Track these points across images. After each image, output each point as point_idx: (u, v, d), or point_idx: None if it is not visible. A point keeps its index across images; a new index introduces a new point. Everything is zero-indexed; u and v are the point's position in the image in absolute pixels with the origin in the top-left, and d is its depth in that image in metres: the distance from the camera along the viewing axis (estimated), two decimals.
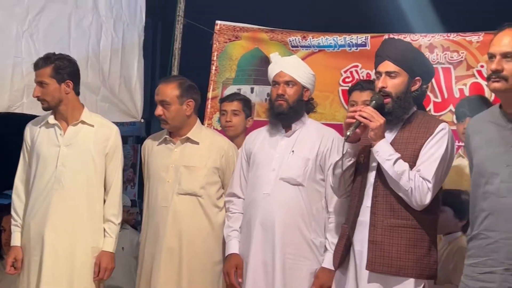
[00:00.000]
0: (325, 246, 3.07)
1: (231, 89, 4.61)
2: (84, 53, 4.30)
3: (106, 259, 3.41)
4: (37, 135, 3.45)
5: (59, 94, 3.31)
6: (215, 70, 4.69)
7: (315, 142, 3.15)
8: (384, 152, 2.68)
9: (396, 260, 2.67)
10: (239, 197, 3.34)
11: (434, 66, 4.12)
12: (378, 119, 2.64)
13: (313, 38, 4.51)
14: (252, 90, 4.62)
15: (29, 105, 3.89)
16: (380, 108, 2.71)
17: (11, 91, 3.79)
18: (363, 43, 4.27)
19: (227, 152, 3.49)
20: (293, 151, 3.14)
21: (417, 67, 2.85)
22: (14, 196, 3.52)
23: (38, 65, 3.32)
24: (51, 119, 3.39)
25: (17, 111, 3.89)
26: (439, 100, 4.25)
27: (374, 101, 2.71)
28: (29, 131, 3.50)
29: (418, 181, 2.61)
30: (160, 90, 3.40)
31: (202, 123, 4.36)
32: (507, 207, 2.28)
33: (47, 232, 3.30)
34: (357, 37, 4.43)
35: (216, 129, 4.44)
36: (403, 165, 2.64)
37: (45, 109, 3.45)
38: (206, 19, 4.91)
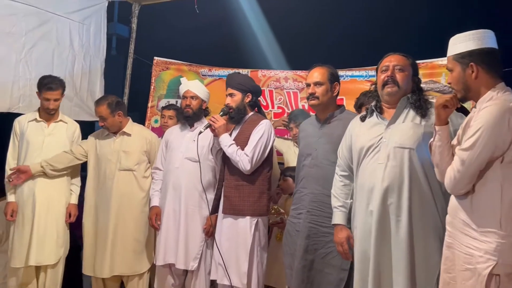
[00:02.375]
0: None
1: (163, 102, 4.81)
2: (63, 75, 4.22)
3: (74, 208, 3.75)
4: (26, 127, 3.66)
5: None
6: (153, 89, 4.87)
7: (208, 134, 3.29)
8: (224, 141, 3.13)
9: (237, 205, 3.14)
10: (160, 169, 3.62)
11: (287, 90, 4.57)
12: (219, 122, 3.14)
13: (215, 70, 4.80)
14: (176, 102, 4.70)
15: (23, 108, 4.02)
16: (228, 115, 3.24)
17: (11, 98, 3.94)
18: (245, 74, 4.38)
19: (151, 140, 3.80)
20: (194, 140, 3.34)
21: (248, 88, 3.27)
22: (7, 167, 3.66)
23: (42, 86, 3.57)
24: (38, 117, 3.67)
25: (14, 111, 3.98)
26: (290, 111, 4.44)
27: (222, 112, 3.22)
28: (18, 124, 3.69)
29: (241, 156, 3.06)
30: (96, 110, 3.68)
31: (144, 123, 4.71)
32: (312, 175, 2.87)
33: (37, 192, 3.57)
34: (241, 70, 4.59)
35: (153, 127, 4.77)
36: (234, 148, 3.09)
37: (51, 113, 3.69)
38: (148, 55, 5.04)
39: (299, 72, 4.46)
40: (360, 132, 2.57)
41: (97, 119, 4.42)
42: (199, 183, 3.34)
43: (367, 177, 2.47)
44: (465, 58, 1.95)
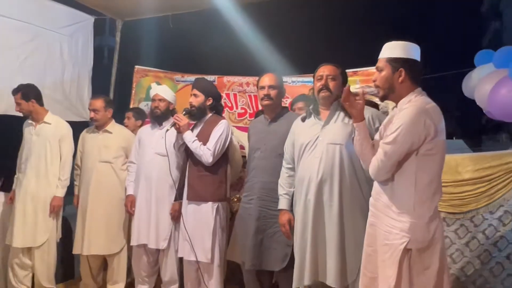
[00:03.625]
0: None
1: (142, 104, 4.77)
2: (55, 82, 4.51)
3: (57, 200, 3.65)
4: (25, 128, 3.70)
5: (30, 108, 3.58)
6: (134, 93, 4.84)
7: (174, 131, 3.32)
8: (188, 137, 3.17)
9: (200, 192, 3.17)
10: (134, 163, 3.61)
11: (249, 94, 4.46)
12: (183, 121, 3.17)
13: (187, 76, 4.70)
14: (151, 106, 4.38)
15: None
16: (190, 114, 3.25)
17: (8, 103, 3.85)
18: (213, 80, 4.35)
19: (129, 138, 3.81)
20: (163, 137, 3.36)
21: (210, 93, 3.29)
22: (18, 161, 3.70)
23: (13, 92, 3.59)
24: (30, 120, 3.68)
25: (10, 113, 3.93)
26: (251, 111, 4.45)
27: (184, 111, 3.26)
28: (24, 126, 3.72)
29: (204, 150, 3.11)
30: (92, 102, 3.72)
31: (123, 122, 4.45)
32: (262, 166, 2.92)
33: (31, 184, 3.56)
34: (210, 77, 4.45)
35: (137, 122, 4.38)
36: (197, 143, 3.13)
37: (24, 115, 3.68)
38: (130, 64, 5.01)
39: (255, 78, 4.28)
40: (301, 131, 2.63)
41: (83, 119, 4.54)
42: (168, 175, 3.36)
43: (305, 170, 2.53)
44: (397, 63, 1.99)
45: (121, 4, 4.65)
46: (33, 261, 3.60)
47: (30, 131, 3.66)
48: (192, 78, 4.69)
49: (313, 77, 2.62)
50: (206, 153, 3.12)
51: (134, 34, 4.92)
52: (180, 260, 3.44)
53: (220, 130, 3.20)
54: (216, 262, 3.17)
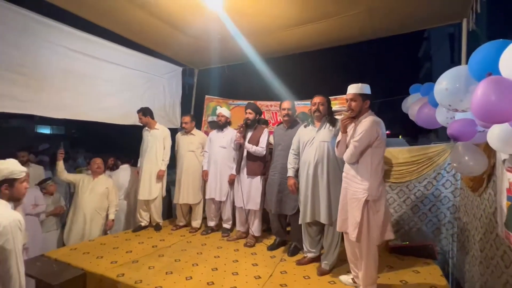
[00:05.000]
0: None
1: (209, 118, 4.71)
2: (160, 105, 4.50)
3: (161, 172, 3.60)
4: (144, 133, 3.70)
5: (146, 120, 3.62)
6: (205, 111, 4.79)
7: (230, 136, 3.36)
8: (248, 146, 3.14)
9: (255, 170, 3.15)
10: (207, 152, 3.56)
11: (272, 111, 4.45)
12: (241, 140, 3.13)
13: (236, 101, 4.75)
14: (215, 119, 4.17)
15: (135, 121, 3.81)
16: (247, 125, 3.19)
17: (135, 118, 3.77)
18: (243, 104, 4.28)
19: (203, 137, 3.75)
20: (223, 138, 3.40)
21: (257, 110, 3.24)
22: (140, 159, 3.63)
23: (137, 112, 3.57)
24: (146, 128, 3.67)
25: (133, 124, 3.94)
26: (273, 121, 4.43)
27: (244, 123, 3.17)
28: (143, 131, 3.70)
29: (259, 149, 3.11)
30: (184, 118, 3.72)
31: (201, 129, 4.45)
32: (281, 155, 2.84)
33: (149, 164, 3.54)
34: (243, 102, 4.60)
35: (205, 131, 4.50)
36: (254, 148, 3.11)
37: (143, 125, 3.65)
38: (202, 94, 4.89)
39: (276, 102, 4.40)
40: (304, 133, 2.62)
41: (176, 127, 4.49)
42: (226, 159, 3.40)
43: (306, 156, 2.55)
44: (364, 96, 2.04)
45: (197, 60, 4.68)
46: (150, 207, 3.67)
47: (147, 134, 3.68)
48: (239, 102, 4.77)
49: (310, 102, 2.63)
50: (261, 151, 3.12)
51: (205, 76, 4.89)
52: (233, 208, 3.45)
53: (265, 136, 3.19)
54: (260, 209, 3.19)
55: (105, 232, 3.45)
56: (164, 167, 3.63)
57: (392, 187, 3.21)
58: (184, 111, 4.85)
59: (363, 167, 1.99)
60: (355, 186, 2.01)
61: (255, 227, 3.17)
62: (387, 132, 2.19)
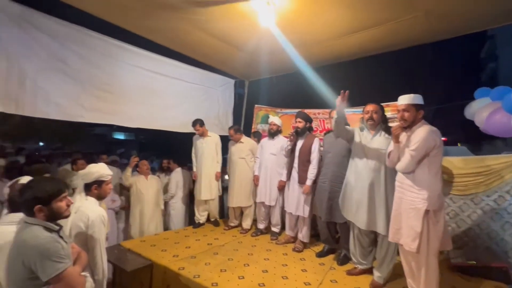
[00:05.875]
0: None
1: (258, 127, 4.76)
2: (214, 115, 4.66)
3: (218, 173, 3.79)
4: (196, 141, 3.83)
5: (202, 130, 3.72)
6: (254, 120, 4.86)
7: (281, 143, 3.38)
8: (310, 176, 3.01)
9: (303, 178, 3.03)
10: (258, 158, 3.59)
11: (320, 119, 4.29)
12: (293, 141, 3.08)
13: (284, 110, 4.69)
14: (265, 126, 4.47)
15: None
16: (297, 133, 3.11)
17: (191, 127, 3.82)
18: (294, 113, 3.99)
19: (253, 144, 3.80)
20: (274, 145, 3.43)
21: (307, 119, 3.16)
22: (193, 160, 3.79)
23: (193, 123, 3.71)
24: (199, 135, 3.76)
25: (191, 131, 3.92)
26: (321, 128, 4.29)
27: (294, 131, 3.12)
28: (195, 139, 3.82)
29: (313, 170, 3.00)
30: (229, 131, 3.79)
31: (250, 136, 4.24)
32: (331, 162, 2.79)
33: (205, 168, 3.69)
34: (290, 110, 4.58)
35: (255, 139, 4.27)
36: (312, 174, 2.98)
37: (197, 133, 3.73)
38: (252, 103, 4.99)
39: (324, 110, 4.31)
40: (360, 134, 2.49)
41: (227, 134, 4.37)
42: (277, 165, 3.41)
43: (361, 163, 2.40)
44: (417, 106, 1.95)
45: (248, 72, 4.78)
46: (209, 206, 3.86)
47: (201, 142, 3.80)
48: (287, 111, 4.74)
49: (362, 109, 2.52)
50: (314, 171, 3.00)
51: (254, 87, 4.97)
52: (282, 212, 3.44)
53: (316, 144, 3.07)
54: (309, 216, 3.13)
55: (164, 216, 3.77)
56: (219, 169, 3.80)
57: (453, 200, 2.91)
58: (236, 119, 5.03)
59: (420, 177, 1.89)
60: (412, 195, 1.91)
61: (304, 233, 3.14)
62: (443, 139, 2.01)
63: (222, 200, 4.22)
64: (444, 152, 2.00)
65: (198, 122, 3.71)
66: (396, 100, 2.09)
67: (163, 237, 3.37)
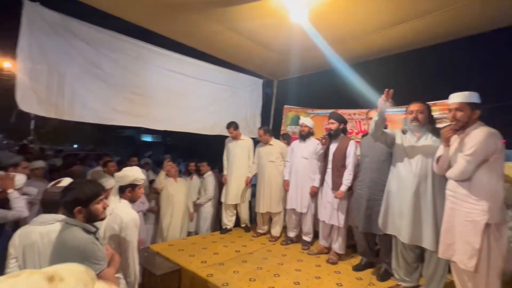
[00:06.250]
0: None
1: (288, 129, 4.70)
2: (242, 117, 4.59)
3: (248, 178, 3.77)
4: (229, 143, 3.78)
5: (236, 133, 3.74)
6: (284, 121, 4.78)
7: (312, 147, 3.23)
8: (343, 189, 2.87)
9: (337, 184, 2.91)
10: (288, 162, 3.50)
11: (356, 120, 4.12)
12: (325, 144, 3.01)
13: (316, 110, 4.57)
14: (296, 128, 4.55)
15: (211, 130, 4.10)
16: (330, 135, 2.99)
17: (221, 129, 3.97)
18: (327, 113, 3.68)
19: (283, 147, 3.70)
20: (306, 148, 3.31)
21: (341, 119, 3.04)
22: (225, 163, 3.81)
23: (227, 126, 3.70)
24: (232, 138, 3.78)
25: (223, 134, 4.03)
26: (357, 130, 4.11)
27: (326, 134, 3.00)
28: (227, 142, 3.85)
29: (348, 176, 2.84)
30: (258, 132, 3.72)
31: (279, 138, 4.17)
32: (369, 167, 2.62)
33: (237, 171, 3.70)
34: (322, 111, 4.45)
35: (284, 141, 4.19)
36: (347, 180, 2.85)
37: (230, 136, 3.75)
38: (281, 104, 4.91)
39: (360, 110, 4.13)
40: (403, 137, 2.35)
41: (256, 136, 4.35)
42: (309, 170, 3.27)
43: (404, 169, 2.25)
44: (472, 105, 1.81)
45: (277, 72, 4.72)
46: (239, 210, 3.84)
47: (233, 145, 3.83)
48: (318, 111, 4.59)
49: (406, 109, 2.33)
50: (350, 176, 2.88)
51: (283, 87, 4.90)
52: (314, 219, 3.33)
53: (352, 147, 2.94)
54: (345, 225, 2.99)
55: (191, 218, 3.87)
56: (250, 174, 3.77)
57: None
58: (264, 121, 4.95)
59: (478, 185, 1.74)
60: (469, 206, 1.76)
61: (339, 244, 2.99)
62: (502, 140, 1.80)
63: (250, 205, 4.13)
64: (506, 157, 1.83)
65: (232, 125, 3.71)
66: (445, 98, 1.93)
67: (190, 241, 3.39)
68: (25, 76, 2.53)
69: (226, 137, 3.91)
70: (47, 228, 1.57)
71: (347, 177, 2.81)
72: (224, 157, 3.85)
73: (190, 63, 3.88)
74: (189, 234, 3.97)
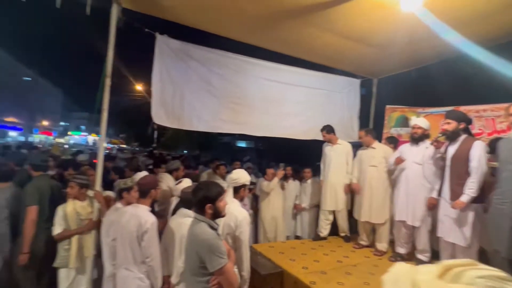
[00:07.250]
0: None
1: (392, 131, 4.39)
2: (339, 120, 4.37)
3: (346, 186, 3.67)
4: (325, 147, 3.78)
5: (330, 137, 3.67)
6: (386, 123, 4.50)
7: (426, 150, 2.95)
8: (465, 200, 2.54)
9: (455, 194, 2.55)
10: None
11: (486, 117, 3.53)
12: (437, 148, 2.78)
13: (428, 109, 4.09)
14: (401, 130, 4.31)
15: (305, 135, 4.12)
16: (447, 137, 2.73)
17: (316, 133, 3.86)
18: (444, 112, 3.37)
19: (387, 151, 3.44)
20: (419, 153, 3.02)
21: (461, 118, 2.71)
22: (322, 166, 3.76)
23: (321, 129, 3.71)
24: (328, 143, 3.74)
25: (317, 138, 3.97)
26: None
27: (440, 134, 2.78)
28: (324, 146, 3.74)
29: (473, 188, 2.51)
30: (359, 133, 3.71)
31: (380, 141, 3.98)
32: (509, 176, 2.22)
33: (334, 177, 3.67)
34: (437, 109, 3.95)
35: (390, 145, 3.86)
36: (472, 193, 2.51)
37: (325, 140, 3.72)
38: (382, 104, 4.61)
39: (496, 105, 3.46)
40: None
41: (353, 140, 4.31)
42: (421, 177, 2.97)
43: None
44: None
45: (377, 69, 4.48)
46: (338, 217, 3.76)
47: (329, 149, 3.79)
48: (431, 110, 4.10)
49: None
50: (475, 185, 2.50)
51: (383, 86, 4.58)
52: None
53: (478, 149, 2.54)
54: (472, 246, 2.57)
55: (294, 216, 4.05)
56: (348, 181, 3.66)
57: None
58: (362, 123, 4.68)
59: None
60: None
61: None
62: None
63: (350, 214, 3.95)
64: None
65: (325, 129, 3.70)
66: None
67: (290, 245, 3.49)
68: (157, 95, 3.07)
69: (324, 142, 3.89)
70: (185, 221, 1.90)
71: (470, 186, 2.46)
72: (321, 162, 3.86)
73: (285, 70, 4.02)
74: (287, 238, 4.12)
